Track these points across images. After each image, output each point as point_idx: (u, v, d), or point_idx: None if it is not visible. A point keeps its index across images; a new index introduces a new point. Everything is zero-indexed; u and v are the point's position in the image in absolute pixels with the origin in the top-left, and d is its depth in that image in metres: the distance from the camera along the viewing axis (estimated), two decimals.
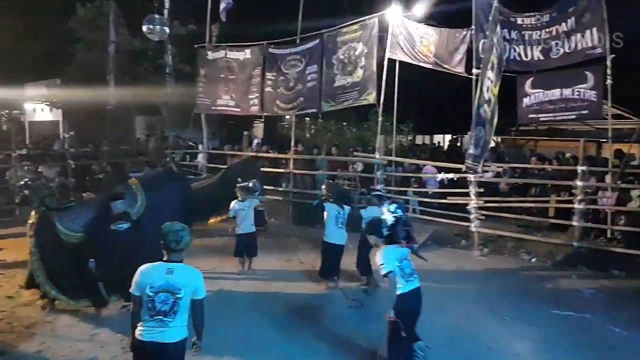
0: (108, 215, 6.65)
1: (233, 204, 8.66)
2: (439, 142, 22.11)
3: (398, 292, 5.01)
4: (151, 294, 3.90)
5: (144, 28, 13.62)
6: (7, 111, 21.86)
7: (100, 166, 14.39)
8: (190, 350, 4.12)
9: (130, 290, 4.01)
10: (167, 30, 13.92)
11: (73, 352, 5.78)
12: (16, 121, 21.79)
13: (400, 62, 12.13)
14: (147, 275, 3.98)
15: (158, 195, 7.76)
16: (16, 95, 19.89)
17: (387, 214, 5.35)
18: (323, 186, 8.55)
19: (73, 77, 18.17)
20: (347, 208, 7.96)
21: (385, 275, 5.06)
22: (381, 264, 5.05)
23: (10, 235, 10.71)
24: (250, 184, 8.71)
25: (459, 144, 20.16)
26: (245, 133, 15.60)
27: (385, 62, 11.81)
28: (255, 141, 16.78)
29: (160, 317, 3.90)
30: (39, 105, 21.71)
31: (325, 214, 7.89)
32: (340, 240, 7.84)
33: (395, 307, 4.99)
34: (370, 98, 11.89)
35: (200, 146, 16.08)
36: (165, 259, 4.06)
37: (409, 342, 5.08)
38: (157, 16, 13.60)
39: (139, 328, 3.96)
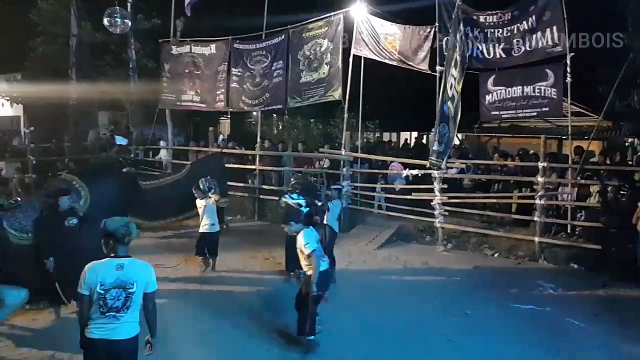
0: (57, 212, 6.41)
1: (197, 202, 8.66)
2: (406, 139, 22.29)
3: (322, 268, 5.60)
4: (102, 292, 3.79)
5: (105, 21, 13.30)
6: None
7: (62, 162, 14.01)
8: (144, 349, 4.02)
9: (78, 289, 3.87)
10: (129, 23, 13.61)
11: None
12: None
13: (367, 59, 12.14)
14: (96, 272, 3.84)
15: (100, 190, 7.67)
16: None
17: (292, 202, 5.91)
18: (292, 179, 8.52)
19: (34, 71, 17.67)
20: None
21: (310, 254, 5.51)
22: (306, 243, 5.54)
23: None
24: (201, 184, 8.53)
25: (424, 141, 20.35)
26: (211, 129, 15.43)
27: (351, 59, 11.81)
28: (221, 137, 16.61)
29: (113, 313, 3.81)
30: None
31: None
32: None
33: (318, 283, 5.54)
34: (336, 94, 11.90)
35: (162, 142, 15.83)
36: (112, 254, 3.93)
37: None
38: (118, 9, 13.27)
39: (88, 326, 3.84)
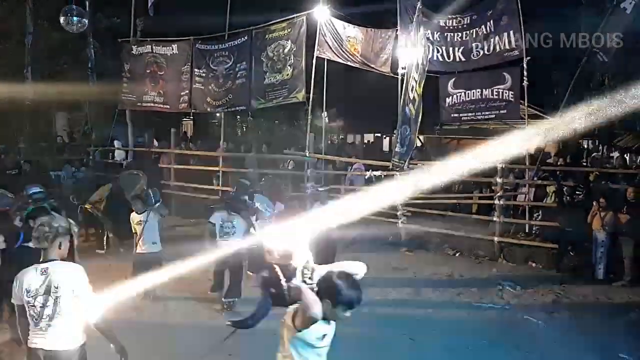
0: None
1: (132, 216, 7.28)
2: (369, 141, 22.45)
3: None
4: (29, 299, 3.58)
5: (62, 19, 12.90)
6: None
7: (14, 163, 13.47)
8: None
9: (12, 300, 3.69)
10: (86, 21, 13.23)
11: None
12: None
13: (330, 61, 12.18)
14: (21, 280, 3.63)
15: None
16: None
17: None
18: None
19: None
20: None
21: None
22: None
23: None
24: (145, 195, 7.28)
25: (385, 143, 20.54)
26: (173, 130, 15.19)
27: (314, 61, 11.82)
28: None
29: (46, 321, 3.58)
30: None
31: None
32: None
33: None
34: (300, 96, 11.90)
35: (116, 142, 15.51)
36: (40, 259, 3.69)
37: None
38: (75, 7, 12.90)
39: (30, 336, 3.65)
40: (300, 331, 2.86)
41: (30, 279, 3.61)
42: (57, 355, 3.57)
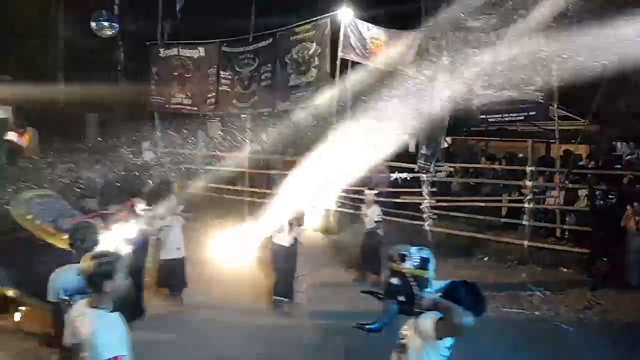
0: None
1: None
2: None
3: None
4: (66, 298, 3.72)
5: (92, 24, 13.22)
6: None
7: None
8: None
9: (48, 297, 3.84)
10: (117, 26, 13.54)
11: None
12: None
13: (355, 62, 12.12)
14: (59, 279, 3.80)
15: None
16: None
17: None
18: None
19: (21, 73, 17.49)
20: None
21: None
22: None
23: None
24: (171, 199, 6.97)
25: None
26: (200, 131, 15.40)
27: (338, 62, 11.78)
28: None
29: None
30: None
31: None
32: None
33: None
34: (324, 98, 11.87)
35: (145, 143, 15.75)
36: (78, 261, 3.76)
37: None
38: (105, 12, 13.21)
39: None
40: (440, 339, 2.91)
41: (68, 278, 3.74)
42: None
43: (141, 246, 5.96)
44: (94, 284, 2.94)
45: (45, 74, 16.01)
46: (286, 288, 7.01)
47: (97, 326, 2.84)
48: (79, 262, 3.45)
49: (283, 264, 6.98)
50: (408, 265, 3.04)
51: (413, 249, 3.14)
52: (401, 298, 3.02)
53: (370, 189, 8.93)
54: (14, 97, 18.56)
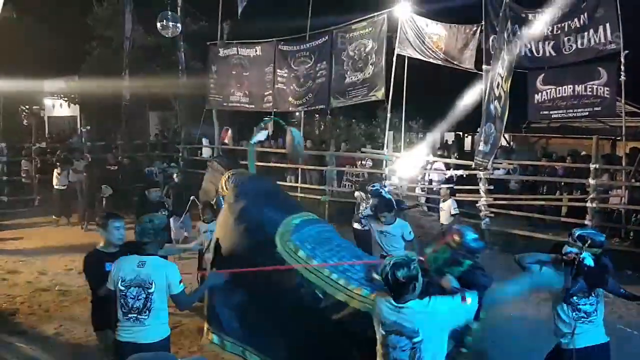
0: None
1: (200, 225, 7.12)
2: (446, 141, 21.92)
3: None
4: (123, 289, 3.65)
5: (158, 25, 13.81)
6: (27, 106, 22.34)
7: (114, 159, 14.34)
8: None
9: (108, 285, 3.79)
10: (180, 26, 14.08)
11: (88, 334, 5.70)
12: (36, 116, 22.23)
13: (410, 59, 12.06)
14: (119, 267, 3.73)
15: None
16: (36, 90, 20.28)
17: None
18: None
19: (89, 73, 18.45)
20: None
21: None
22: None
23: (29, 225, 11.83)
24: None
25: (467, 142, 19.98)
26: (255, 129, 15.65)
27: (395, 58, 11.76)
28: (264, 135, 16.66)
29: (135, 314, 3.64)
30: (57, 100, 22.13)
31: None
32: None
33: None
34: (379, 94, 11.91)
35: (204, 140, 16.21)
36: (141, 251, 3.79)
37: None
38: (169, 13, 13.77)
39: (117, 328, 3.74)
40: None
41: (127, 267, 3.70)
42: (147, 348, 3.51)
43: None
44: None
45: (112, 73, 16.77)
46: None
47: None
48: None
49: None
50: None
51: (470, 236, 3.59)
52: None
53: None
54: (81, 95, 19.74)
